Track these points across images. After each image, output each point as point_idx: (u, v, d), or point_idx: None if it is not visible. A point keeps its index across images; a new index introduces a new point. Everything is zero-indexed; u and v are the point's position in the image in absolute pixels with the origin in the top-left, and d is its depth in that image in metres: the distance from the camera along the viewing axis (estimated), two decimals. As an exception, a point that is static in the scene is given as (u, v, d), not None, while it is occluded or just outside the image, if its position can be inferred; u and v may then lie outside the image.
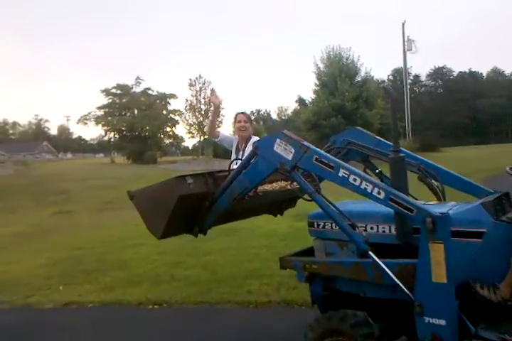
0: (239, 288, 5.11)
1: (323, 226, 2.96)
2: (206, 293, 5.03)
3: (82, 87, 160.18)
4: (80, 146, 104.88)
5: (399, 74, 69.85)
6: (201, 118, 36.60)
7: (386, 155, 3.18)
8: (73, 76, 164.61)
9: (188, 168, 28.48)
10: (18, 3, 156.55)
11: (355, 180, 2.47)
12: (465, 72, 78.73)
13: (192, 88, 37.43)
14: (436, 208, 2.47)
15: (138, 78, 43.04)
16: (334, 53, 31.73)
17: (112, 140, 45.47)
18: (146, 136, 41.44)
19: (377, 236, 2.72)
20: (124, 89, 42.34)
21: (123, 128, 41.54)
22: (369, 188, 2.43)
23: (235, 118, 4.68)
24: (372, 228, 2.76)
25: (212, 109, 4.90)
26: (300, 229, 8.33)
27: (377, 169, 3.39)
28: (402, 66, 33.65)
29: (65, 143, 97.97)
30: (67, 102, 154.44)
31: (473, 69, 79.40)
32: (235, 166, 3.17)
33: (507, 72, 79.49)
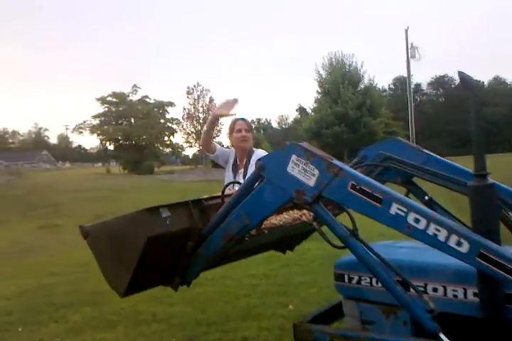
0: (233, 334, 4.13)
1: (358, 282, 2.01)
2: (193, 341, 4.06)
3: (81, 96, 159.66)
4: (80, 155, 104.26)
5: (400, 82, 69.23)
6: (199, 127, 35.80)
7: (444, 177, 2.25)
8: (72, 84, 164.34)
9: (185, 179, 27.68)
10: (18, 13, 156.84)
11: (417, 221, 1.53)
12: (466, 81, 78.14)
13: (190, 96, 36.78)
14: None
15: (135, 86, 42.41)
16: (336, 60, 30.94)
17: (110, 149, 44.72)
18: (143, 145, 40.58)
19: (444, 303, 1.78)
20: (121, 97, 41.60)
21: (119, 138, 40.72)
22: (441, 235, 1.49)
23: (233, 125, 3.66)
24: (435, 290, 1.81)
25: (210, 117, 3.79)
26: (305, 251, 7.37)
27: (426, 195, 2.45)
28: (403, 74, 32.86)
29: (65, 152, 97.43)
30: (68, 111, 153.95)
31: (474, 78, 78.81)
32: (231, 190, 2.26)
33: (509, 80, 78.91)
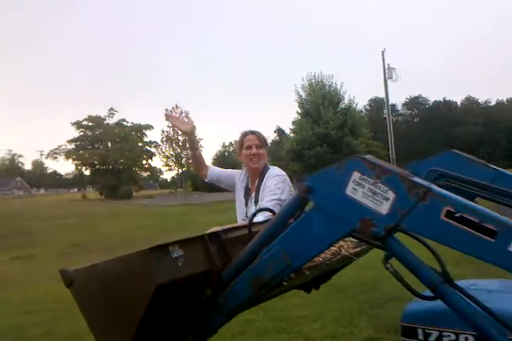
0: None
1: (439, 339, 1.52)
2: None
3: (56, 121, 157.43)
4: (55, 181, 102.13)
5: (376, 103, 70.29)
6: (179, 150, 35.18)
7: None
8: (47, 109, 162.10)
9: (165, 203, 26.97)
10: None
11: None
12: (440, 101, 79.80)
13: (169, 119, 36.02)
14: None
15: (111, 109, 41.87)
16: (316, 81, 30.98)
17: (86, 174, 43.82)
18: (120, 169, 39.80)
19: None
20: (97, 121, 40.99)
21: (95, 162, 39.89)
22: None
23: (242, 141, 3.08)
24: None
25: (186, 138, 3.32)
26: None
27: None
28: (378, 95, 33.12)
29: (40, 178, 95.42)
30: (42, 136, 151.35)
31: (447, 98, 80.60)
32: (259, 217, 1.78)
33: (480, 100, 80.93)
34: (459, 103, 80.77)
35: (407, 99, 79.50)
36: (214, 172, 3.28)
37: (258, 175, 2.96)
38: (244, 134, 3.08)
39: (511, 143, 69.51)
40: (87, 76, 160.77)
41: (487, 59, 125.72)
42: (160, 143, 37.73)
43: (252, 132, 3.08)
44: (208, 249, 1.56)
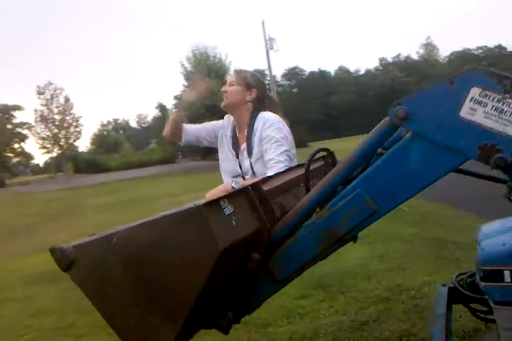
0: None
1: None
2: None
3: None
4: None
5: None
6: (56, 130, 32.47)
7: None
8: None
9: (45, 189, 24.88)
10: None
11: None
12: (315, 72, 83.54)
13: (41, 96, 32.95)
14: None
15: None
16: (200, 52, 30.33)
17: None
18: (-12, 155, 35.95)
19: None
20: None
21: (-42, 150, 35.53)
22: None
23: None
24: None
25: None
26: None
27: None
28: (261, 67, 33.48)
29: None
30: None
31: (322, 69, 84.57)
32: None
33: (352, 69, 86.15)
34: (332, 73, 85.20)
35: (285, 70, 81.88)
36: (189, 129, 2.69)
37: (246, 122, 2.44)
38: None
39: (382, 108, 75.54)
40: None
41: (356, 29, 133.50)
42: (34, 123, 34.55)
43: (235, 71, 2.65)
44: (255, 204, 1.24)
